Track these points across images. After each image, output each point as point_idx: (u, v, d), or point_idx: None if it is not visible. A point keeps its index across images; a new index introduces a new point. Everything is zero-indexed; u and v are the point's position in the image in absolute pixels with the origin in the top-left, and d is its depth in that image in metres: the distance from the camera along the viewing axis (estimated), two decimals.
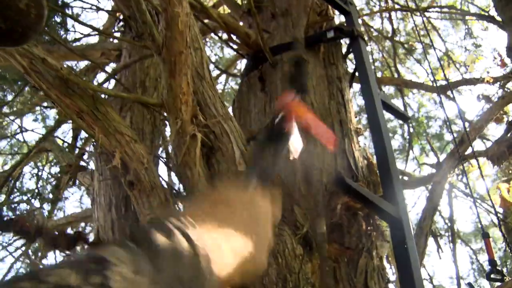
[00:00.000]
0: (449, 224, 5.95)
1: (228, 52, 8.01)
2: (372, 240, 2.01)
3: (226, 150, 1.87)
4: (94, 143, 2.35)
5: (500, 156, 4.15)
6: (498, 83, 5.88)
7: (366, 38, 2.97)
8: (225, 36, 3.65)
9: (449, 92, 6.19)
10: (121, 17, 4.05)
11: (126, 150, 1.76)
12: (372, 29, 6.82)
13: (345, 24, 3.01)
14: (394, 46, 6.52)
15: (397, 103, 7.95)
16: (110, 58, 3.50)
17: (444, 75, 5.62)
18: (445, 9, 6.38)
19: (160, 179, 1.85)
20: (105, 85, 3.16)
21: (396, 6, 6.28)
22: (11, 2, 0.64)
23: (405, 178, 5.87)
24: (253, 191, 0.71)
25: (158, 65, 2.75)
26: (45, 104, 6.24)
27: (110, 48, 3.38)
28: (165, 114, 1.93)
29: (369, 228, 2.03)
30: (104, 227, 2.05)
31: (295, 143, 0.97)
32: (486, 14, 5.47)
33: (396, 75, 6.88)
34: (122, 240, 0.47)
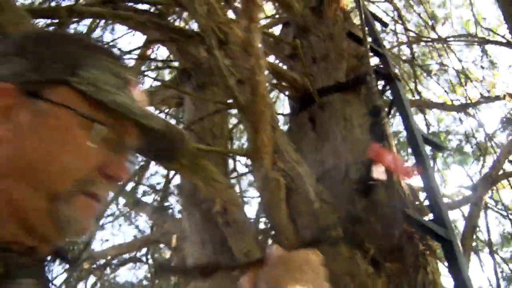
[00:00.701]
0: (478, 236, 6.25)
1: None
2: (426, 258, 2.38)
3: (302, 191, 2.26)
4: (179, 186, 2.74)
5: None
6: None
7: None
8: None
9: (469, 110, 6.57)
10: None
11: (223, 195, 2.15)
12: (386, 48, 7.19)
13: (380, 66, 3.41)
14: (413, 68, 6.89)
15: (417, 119, 8.32)
16: (169, 105, 3.91)
17: (467, 95, 5.98)
18: (464, 38, 6.77)
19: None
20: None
21: (411, 34, 6.69)
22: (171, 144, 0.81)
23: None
24: (311, 252, 0.90)
25: (224, 115, 3.16)
26: None
27: (169, 95, 3.79)
28: (250, 162, 2.33)
29: (423, 248, 2.40)
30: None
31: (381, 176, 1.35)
32: (506, 40, 5.83)
33: (415, 93, 7.24)
34: None
